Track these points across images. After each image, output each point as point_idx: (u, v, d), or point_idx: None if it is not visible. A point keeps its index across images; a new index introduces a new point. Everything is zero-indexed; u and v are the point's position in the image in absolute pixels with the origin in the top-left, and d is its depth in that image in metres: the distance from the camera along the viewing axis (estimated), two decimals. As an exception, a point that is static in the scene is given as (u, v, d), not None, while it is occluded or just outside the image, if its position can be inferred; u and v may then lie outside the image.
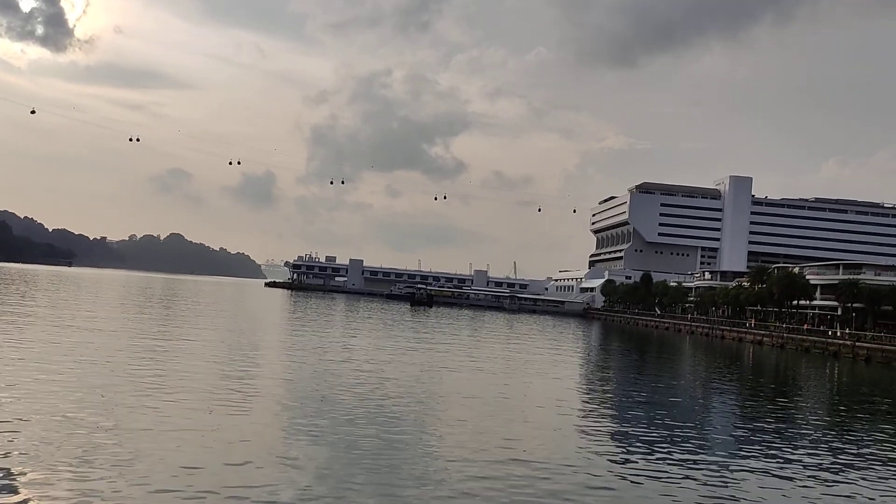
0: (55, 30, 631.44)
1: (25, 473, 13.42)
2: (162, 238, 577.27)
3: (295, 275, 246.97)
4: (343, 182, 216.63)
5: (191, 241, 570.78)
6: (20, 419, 17.54)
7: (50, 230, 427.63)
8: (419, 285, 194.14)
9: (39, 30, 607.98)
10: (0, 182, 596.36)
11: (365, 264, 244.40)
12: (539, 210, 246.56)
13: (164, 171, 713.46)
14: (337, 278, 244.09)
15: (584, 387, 36.36)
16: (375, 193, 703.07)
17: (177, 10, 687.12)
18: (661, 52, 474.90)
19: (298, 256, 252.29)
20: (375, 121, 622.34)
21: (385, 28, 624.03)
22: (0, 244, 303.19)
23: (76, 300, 72.73)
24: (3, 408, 18.72)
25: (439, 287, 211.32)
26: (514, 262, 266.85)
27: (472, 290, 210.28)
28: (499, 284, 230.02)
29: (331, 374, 30.92)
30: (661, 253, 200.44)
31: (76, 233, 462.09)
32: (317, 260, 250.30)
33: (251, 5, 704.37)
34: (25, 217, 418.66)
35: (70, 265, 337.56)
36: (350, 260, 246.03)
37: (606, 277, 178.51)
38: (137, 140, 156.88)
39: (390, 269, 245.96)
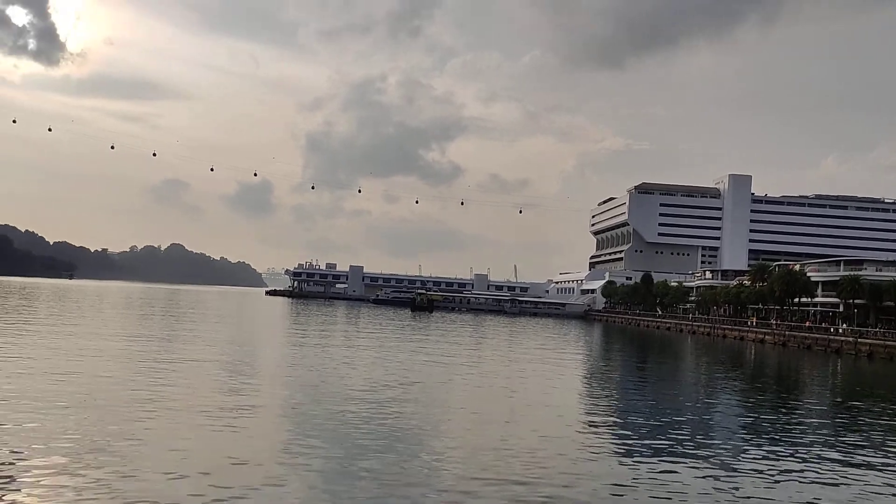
0: (47, 44, 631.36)
1: (21, 479, 13.30)
2: (163, 248, 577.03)
3: (295, 283, 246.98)
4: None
5: (191, 251, 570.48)
6: (18, 429, 17.47)
7: (51, 243, 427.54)
8: (419, 290, 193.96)
9: (32, 44, 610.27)
10: (1, 196, 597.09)
11: (365, 270, 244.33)
12: (520, 212, 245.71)
13: (162, 181, 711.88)
14: (337, 285, 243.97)
15: (587, 389, 36.22)
16: (373, 199, 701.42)
17: (169, 20, 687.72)
18: (648, 53, 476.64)
19: (298, 264, 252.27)
20: (371, 127, 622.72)
21: (378, 34, 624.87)
22: (1, 258, 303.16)
23: (77, 312, 72.61)
24: (5, 417, 18.77)
25: (439, 291, 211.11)
26: (515, 266, 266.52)
27: (472, 294, 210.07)
28: (499, 288, 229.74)
29: (330, 381, 30.77)
30: (662, 253, 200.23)
31: (77, 245, 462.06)
32: (317, 267, 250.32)
33: (244, 14, 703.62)
34: (26, 230, 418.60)
35: (71, 277, 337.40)
36: (350, 267, 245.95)
37: (607, 279, 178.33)
38: (154, 155, 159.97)
39: (390, 274, 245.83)
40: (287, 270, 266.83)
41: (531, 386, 34.56)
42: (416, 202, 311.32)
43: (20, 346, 36.51)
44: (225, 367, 33.35)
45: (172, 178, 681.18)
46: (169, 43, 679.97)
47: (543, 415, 26.04)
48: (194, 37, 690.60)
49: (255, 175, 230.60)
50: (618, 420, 25.95)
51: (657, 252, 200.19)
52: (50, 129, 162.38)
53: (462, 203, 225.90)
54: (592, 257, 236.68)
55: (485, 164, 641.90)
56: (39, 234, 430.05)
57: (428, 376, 34.92)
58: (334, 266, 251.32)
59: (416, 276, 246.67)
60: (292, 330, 68.53)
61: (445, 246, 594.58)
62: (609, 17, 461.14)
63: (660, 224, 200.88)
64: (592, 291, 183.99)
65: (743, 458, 19.93)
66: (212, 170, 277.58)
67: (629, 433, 22.93)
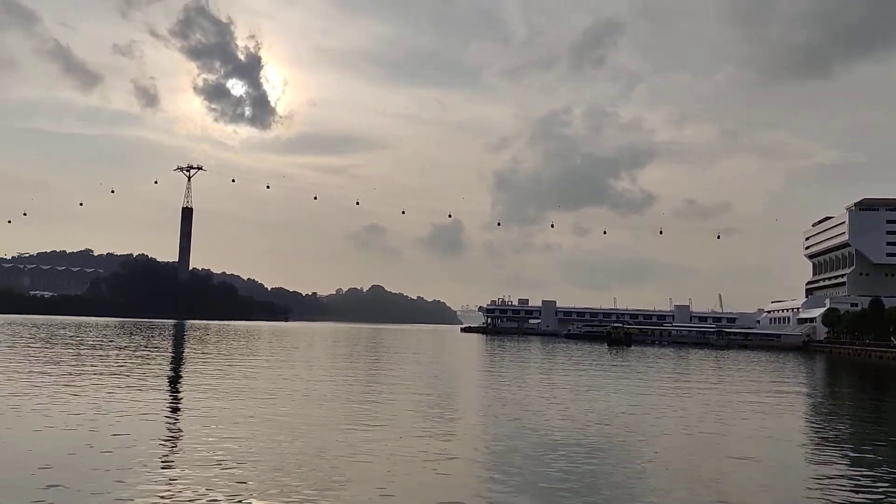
0: (260, 110, 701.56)
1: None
2: (364, 290, 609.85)
3: (489, 319, 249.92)
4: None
5: (390, 292, 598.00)
6: (244, 446, 18.35)
7: (269, 289, 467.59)
8: (614, 323, 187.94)
9: (247, 111, 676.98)
10: (226, 249, 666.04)
11: (558, 305, 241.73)
12: (718, 237, 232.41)
13: (363, 227, 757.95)
14: (531, 321, 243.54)
15: (810, 432, 32.10)
16: (563, 233, 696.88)
17: (362, 78, 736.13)
18: (859, 58, 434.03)
19: (491, 301, 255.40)
20: (557, 160, 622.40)
21: (560, 68, 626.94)
22: (228, 304, 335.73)
23: (294, 348, 77.78)
24: (229, 437, 20.62)
25: (637, 324, 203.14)
26: (720, 295, 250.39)
27: (673, 326, 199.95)
28: (703, 319, 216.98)
29: (528, 417, 29.73)
30: (893, 275, 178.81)
31: (291, 290, 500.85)
32: (509, 303, 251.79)
33: (431, 64, 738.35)
34: (248, 279, 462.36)
35: (287, 320, 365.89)
36: (542, 302, 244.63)
37: (828, 306, 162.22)
38: (357, 204, 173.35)
39: (584, 308, 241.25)
40: (480, 307, 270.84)
41: (748, 428, 31.22)
42: (605, 233, 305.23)
43: (249, 378, 39.34)
44: (425, 401, 33.49)
45: (372, 223, 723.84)
46: (363, 98, 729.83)
47: (762, 462, 23.14)
48: (385, 90, 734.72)
49: (450, 217, 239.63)
50: (847, 475, 22.40)
51: (886, 274, 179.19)
52: (268, 187, 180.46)
53: (661, 232, 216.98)
54: (809, 283, 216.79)
55: (679, 190, 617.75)
56: (259, 282, 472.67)
57: (631, 414, 32.76)
58: (527, 301, 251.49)
59: (611, 309, 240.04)
60: (488, 366, 68.42)
61: (640, 277, 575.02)
62: (810, 24, 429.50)
63: (888, 244, 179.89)
64: (811, 320, 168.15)
65: None
66: (403, 213, 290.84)
67: (859, 491, 19.62)
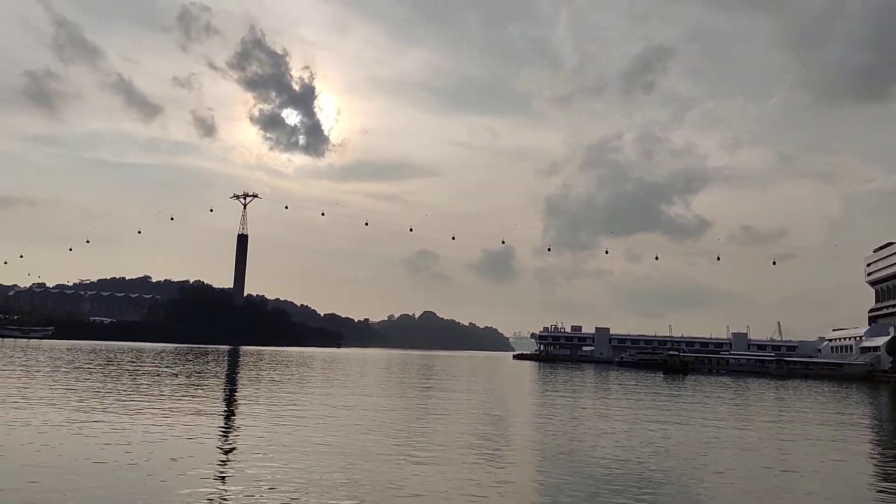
0: (314, 138, 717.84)
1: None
2: (416, 316, 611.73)
3: (542, 346, 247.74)
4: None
5: (442, 318, 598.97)
6: (294, 475, 18.46)
7: (322, 315, 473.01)
8: (670, 351, 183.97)
9: (302, 140, 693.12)
10: (280, 275, 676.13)
11: (611, 332, 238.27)
12: (774, 263, 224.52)
13: (414, 253, 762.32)
14: (584, 348, 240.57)
15: (880, 468, 30.70)
16: (615, 259, 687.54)
17: (413, 106, 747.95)
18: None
19: (544, 327, 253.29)
20: (609, 186, 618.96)
21: (610, 93, 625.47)
22: (282, 330, 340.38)
23: (346, 375, 78.21)
24: (279, 465, 21.12)
25: (692, 352, 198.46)
26: (778, 323, 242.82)
27: (731, 354, 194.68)
28: (761, 347, 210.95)
29: (580, 444, 29.18)
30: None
31: (343, 316, 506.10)
32: (562, 330, 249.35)
33: (482, 92, 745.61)
34: (301, 305, 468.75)
35: (339, 346, 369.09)
36: (596, 329, 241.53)
37: (892, 334, 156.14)
38: (411, 230, 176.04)
39: (638, 335, 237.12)
40: (533, 334, 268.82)
41: (817, 463, 30.05)
42: (656, 258, 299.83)
43: (301, 405, 39.67)
44: (477, 431, 33.19)
45: (423, 249, 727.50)
46: (415, 126, 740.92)
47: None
48: (437, 117, 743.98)
49: (503, 243, 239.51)
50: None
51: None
52: (322, 214, 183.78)
53: (718, 258, 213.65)
54: (872, 310, 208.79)
55: (734, 216, 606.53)
56: (312, 308, 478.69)
57: (690, 446, 31.86)
58: (580, 328, 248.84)
59: (666, 336, 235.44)
60: (541, 394, 67.57)
61: (696, 304, 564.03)
62: (866, 46, 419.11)
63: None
64: (875, 349, 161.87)
65: None
66: (453, 238, 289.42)
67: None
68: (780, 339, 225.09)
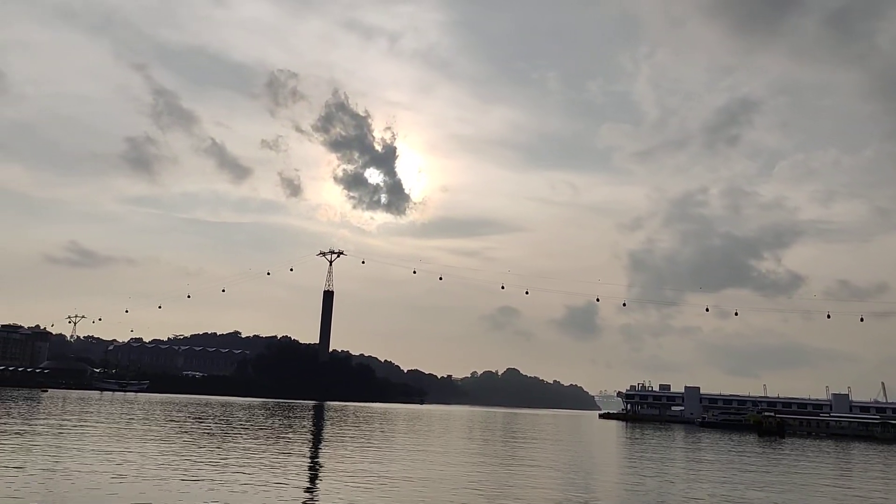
0: (396, 196, 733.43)
1: None
2: (499, 373, 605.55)
3: (629, 405, 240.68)
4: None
5: (526, 375, 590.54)
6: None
7: (405, 371, 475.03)
8: (765, 412, 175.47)
9: (384, 199, 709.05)
10: (365, 331, 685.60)
11: (702, 391, 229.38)
12: (861, 320, 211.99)
13: (496, 309, 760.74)
14: (673, 408, 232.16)
15: None
16: (703, 315, 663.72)
17: (493, 162, 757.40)
18: None
19: (631, 386, 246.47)
20: (695, 240, 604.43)
21: (693, 147, 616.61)
22: (366, 386, 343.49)
23: (429, 432, 78.32)
24: None
25: (789, 413, 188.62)
26: (882, 383, 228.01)
27: (831, 416, 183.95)
28: (865, 409, 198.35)
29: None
30: None
31: (427, 372, 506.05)
32: (650, 388, 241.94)
33: (562, 148, 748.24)
34: (385, 360, 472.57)
35: (422, 402, 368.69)
36: (685, 387, 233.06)
37: None
38: (503, 288, 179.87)
39: (731, 395, 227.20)
40: (619, 393, 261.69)
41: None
42: (735, 313, 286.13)
43: (384, 462, 40.13)
44: (560, 497, 32.74)
45: (505, 305, 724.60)
46: (495, 182, 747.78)
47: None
48: (517, 174, 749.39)
49: (597, 301, 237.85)
50: None
51: None
52: (414, 272, 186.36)
53: (829, 316, 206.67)
54: None
55: (830, 270, 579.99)
56: (395, 364, 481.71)
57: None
58: (668, 387, 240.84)
59: (760, 396, 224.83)
60: (628, 457, 65.74)
61: (790, 362, 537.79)
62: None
63: None
64: None
65: None
66: (526, 293, 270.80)
67: None
68: (884, 400, 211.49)
